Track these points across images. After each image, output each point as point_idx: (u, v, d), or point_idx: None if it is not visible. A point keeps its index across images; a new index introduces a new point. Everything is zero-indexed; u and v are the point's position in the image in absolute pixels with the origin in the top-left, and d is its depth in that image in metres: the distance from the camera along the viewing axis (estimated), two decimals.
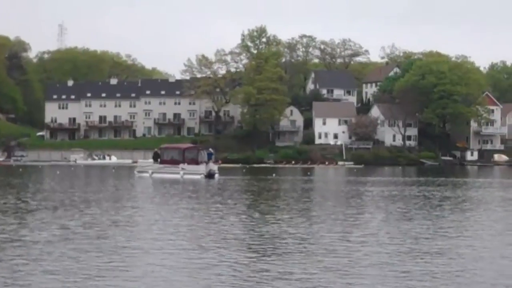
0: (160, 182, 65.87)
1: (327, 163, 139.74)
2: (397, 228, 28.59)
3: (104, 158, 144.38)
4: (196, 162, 76.75)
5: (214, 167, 76.54)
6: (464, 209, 38.51)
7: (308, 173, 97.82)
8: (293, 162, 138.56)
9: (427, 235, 26.42)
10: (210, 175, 73.20)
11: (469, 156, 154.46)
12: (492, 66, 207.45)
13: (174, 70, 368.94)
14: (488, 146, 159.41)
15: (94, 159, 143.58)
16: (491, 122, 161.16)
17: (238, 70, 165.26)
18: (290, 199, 44.83)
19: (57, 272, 18.32)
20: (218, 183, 64.17)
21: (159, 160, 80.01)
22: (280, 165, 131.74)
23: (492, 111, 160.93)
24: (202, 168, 74.56)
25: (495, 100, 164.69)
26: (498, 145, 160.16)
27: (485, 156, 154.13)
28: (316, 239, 24.92)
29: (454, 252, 22.42)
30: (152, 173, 77.11)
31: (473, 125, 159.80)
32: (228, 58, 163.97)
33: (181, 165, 75.61)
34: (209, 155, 78.85)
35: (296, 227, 28.52)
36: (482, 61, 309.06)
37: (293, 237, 25.47)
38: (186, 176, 72.74)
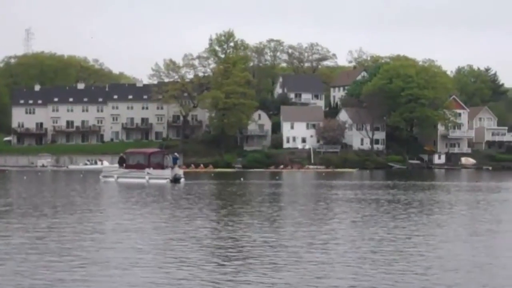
0: (126, 186, 65.32)
1: (301, 167, 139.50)
2: (362, 232, 28.44)
3: (96, 163, 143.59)
4: (161, 166, 76.34)
5: (179, 171, 76.21)
6: (430, 212, 38.52)
7: (277, 177, 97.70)
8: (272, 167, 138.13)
9: (392, 239, 26.29)
10: (175, 180, 72.83)
11: (436, 160, 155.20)
12: (459, 70, 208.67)
13: (142, 74, 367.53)
14: (456, 150, 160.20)
15: (86, 164, 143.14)
16: (458, 126, 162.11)
17: (206, 74, 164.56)
18: (256, 203, 44.53)
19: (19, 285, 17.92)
20: (184, 188, 63.77)
21: (124, 164, 79.44)
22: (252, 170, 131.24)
23: (459, 114, 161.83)
24: (167, 173, 74.15)
25: (462, 104, 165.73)
26: (465, 149, 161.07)
27: (453, 160, 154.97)
28: (280, 244, 24.66)
29: (418, 257, 22.29)
30: (118, 177, 76.35)
31: (440, 128, 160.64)
32: (196, 62, 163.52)
33: (147, 170, 75.03)
34: (174, 160, 78.60)
35: (261, 232, 28.25)
36: (449, 65, 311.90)
37: (257, 242, 25.19)
38: (151, 181, 72.35)
